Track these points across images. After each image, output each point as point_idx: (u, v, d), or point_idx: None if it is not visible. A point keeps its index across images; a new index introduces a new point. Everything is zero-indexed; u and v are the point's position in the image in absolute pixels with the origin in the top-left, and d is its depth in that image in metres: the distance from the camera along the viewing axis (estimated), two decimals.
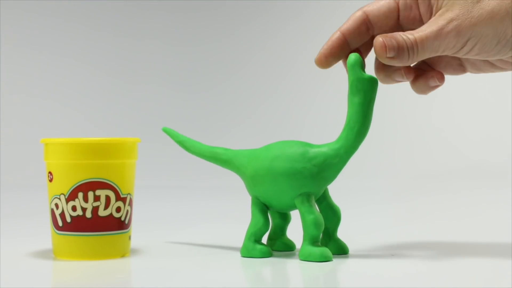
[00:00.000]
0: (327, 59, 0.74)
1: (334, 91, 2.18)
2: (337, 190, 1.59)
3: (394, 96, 2.06)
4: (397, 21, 0.73)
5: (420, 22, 0.73)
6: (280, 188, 0.73)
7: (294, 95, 2.27)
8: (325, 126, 2.12)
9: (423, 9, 0.72)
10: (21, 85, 2.34)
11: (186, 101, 2.41)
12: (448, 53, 0.70)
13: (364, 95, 0.72)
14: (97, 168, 0.73)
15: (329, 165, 0.73)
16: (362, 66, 0.73)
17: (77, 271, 0.68)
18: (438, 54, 0.70)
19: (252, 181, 0.75)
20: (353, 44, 0.74)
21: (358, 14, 0.74)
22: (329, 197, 0.77)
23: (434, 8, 0.71)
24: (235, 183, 1.84)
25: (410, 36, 0.69)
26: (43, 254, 0.77)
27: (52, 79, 2.37)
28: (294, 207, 0.75)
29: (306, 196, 0.73)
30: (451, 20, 0.68)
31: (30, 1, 2.39)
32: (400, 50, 0.69)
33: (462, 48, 0.69)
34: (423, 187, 1.74)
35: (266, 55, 2.36)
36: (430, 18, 0.71)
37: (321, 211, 0.76)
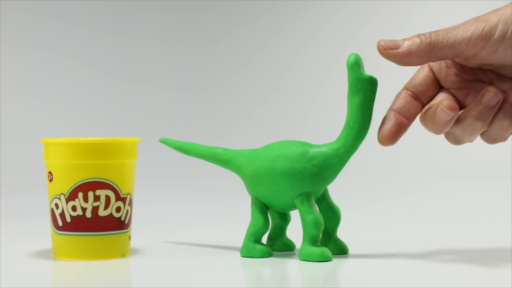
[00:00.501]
0: (391, 140, 0.72)
1: (334, 92, 2.18)
2: (337, 190, 1.60)
3: (394, 96, 2.06)
4: (439, 85, 0.72)
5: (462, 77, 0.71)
6: (280, 188, 0.74)
7: (295, 96, 2.27)
8: (325, 126, 2.12)
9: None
10: (21, 85, 2.34)
11: (186, 101, 2.41)
12: (476, 51, 0.66)
13: (363, 95, 0.72)
14: (97, 168, 0.73)
15: (329, 165, 0.73)
16: (362, 66, 0.73)
17: (77, 271, 0.68)
18: (468, 49, 0.66)
19: (252, 181, 0.75)
20: (410, 121, 0.72)
21: (400, 93, 0.73)
22: (329, 197, 0.77)
23: None
24: (235, 183, 1.84)
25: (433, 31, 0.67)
26: (43, 254, 0.77)
27: (52, 79, 2.38)
28: (294, 207, 0.75)
29: (306, 196, 0.73)
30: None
31: (30, 1, 2.39)
32: (407, 40, 0.67)
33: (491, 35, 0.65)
34: (423, 187, 1.74)
35: (267, 55, 2.36)
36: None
37: (321, 211, 0.76)
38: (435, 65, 0.72)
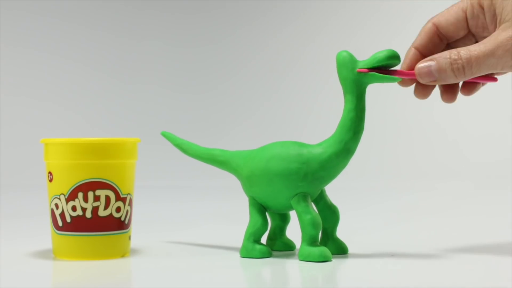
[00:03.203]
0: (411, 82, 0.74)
1: (334, 92, 2.18)
2: (337, 190, 1.60)
3: (395, 96, 2.06)
4: (467, 29, 0.73)
5: (488, 31, 0.72)
6: (275, 189, 0.74)
7: (294, 96, 2.27)
8: (325, 127, 2.12)
9: (488, 18, 0.71)
10: (21, 85, 2.34)
11: (186, 101, 2.41)
12: (506, 71, 0.68)
13: (356, 94, 0.72)
14: (97, 168, 0.73)
15: (325, 165, 0.73)
16: (352, 64, 0.72)
17: (77, 271, 0.68)
18: (496, 71, 0.68)
19: (248, 181, 0.75)
20: (429, 56, 0.73)
21: (428, 26, 0.74)
22: (327, 197, 0.77)
23: (498, 20, 0.69)
24: (235, 184, 1.84)
25: (465, 54, 0.68)
26: (43, 254, 0.77)
27: (52, 79, 2.38)
28: (290, 207, 0.75)
29: (302, 196, 0.73)
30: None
31: (30, 1, 2.39)
32: (442, 72, 0.69)
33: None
34: (423, 187, 1.74)
35: (266, 55, 2.36)
36: (494, 29, 0.70)
37: (319, 211, 0.76)
38: (468, 11, 0.72)
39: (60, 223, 0.74)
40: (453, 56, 0.69)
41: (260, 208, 0.76)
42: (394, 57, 0.72)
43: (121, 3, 2.48)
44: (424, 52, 0.74)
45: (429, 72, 0.69)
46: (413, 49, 0.74)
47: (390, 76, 0.72)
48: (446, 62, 0.69)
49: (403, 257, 0.75)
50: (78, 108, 2.36)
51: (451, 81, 0.69)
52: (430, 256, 0.75)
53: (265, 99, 2.31)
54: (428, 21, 0.74)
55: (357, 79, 0.72)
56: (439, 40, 0.73)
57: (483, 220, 1.09)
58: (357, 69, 0.72)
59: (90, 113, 2.35)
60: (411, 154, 1.97)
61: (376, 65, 0.72)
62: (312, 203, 0.76)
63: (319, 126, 2.14)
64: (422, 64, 0.70)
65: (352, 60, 0.73)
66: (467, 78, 0.69)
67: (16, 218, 1.16)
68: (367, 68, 0.72)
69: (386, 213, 1.21)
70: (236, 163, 0.77)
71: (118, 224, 0.75)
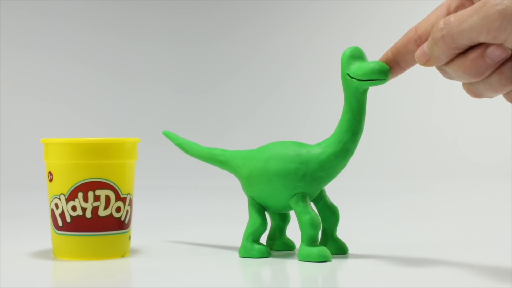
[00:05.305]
0: None
1: (334, 92, 2.18)
2: (337, 190, 1.60)
3: (395, 96, 2.06)
4: None
5: None
6: (274, 189, 0.74)
7: (294, 96, 2.27)
8: (325, 127, 2.13)
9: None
10: (21, 85, 2.34)
11: (186, 101, 2.41)
12: (491, 37, 0.59)
13: (351, 95, 0.72)
14: (97, 168, 0.73)
15: (324, 165, 0.73)
16: (344, 67, 0.71)
17: (77, 271, 0.68)
18: (482, 37, 0.59)
19: (247, 181, 0.76)
20: (404, 63, 0.69)
21: (409, 29, 0.68)
22: (326, 197, 0.77)
23: None
24: (235, 183, 1.84)
25: (445, 19, 0.61)
26: (43, 254, 0.78)
27: (52, 79, 2.38)
28: (289, 207, 0.75)
29: (301, 196, 0.73)
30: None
31: (30, 1, 2.39)
32: (429, 48, 0.63)
33: (506, 36, 0.58)
34: (423, 187, 1.74)
35: (266, 55, 2.36)
36: None
37: (318, 211, 0.76)
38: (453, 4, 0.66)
39: (60, 223, 0.74)
40: (435, 27, 0.62)
41: (259, 208, 0.76)
42: (382, 72, 0.69)
43: (121, 3, 2.48)
44: (396, 57, 0.69)
45: (423, 52, 0.64)
46: (389, 51, 0.70)
47: (376, 80, 0.70)
48: (435, 31, 0.62)
49: (403, 257, 0.75)
50: (78, 107, 2.36)
51: (438, 53, 0.62)
52: (430, 256, 0.75)
53: (265, 99, 2.31)
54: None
55: (347, 83, 0.72)
56: (415, 46, 0.68)
57: (482, 220, 1.09)
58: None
59: (90, 113, 2.35)
60: (410, 154, 1.97)
61: (362, 78, 0.70)
62: (312, 203, 0.76)
63: (319, 126, 2.14)
64: (419, 48, 0.65)
65: (347, 62, 0.71)
66: (448, 46, 0.61)
67: (16, 218, 1.17)
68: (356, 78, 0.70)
69: (386, 213, 1.21)
70: (235, 163, 0.78)
71: (118, 224, 0.75)
